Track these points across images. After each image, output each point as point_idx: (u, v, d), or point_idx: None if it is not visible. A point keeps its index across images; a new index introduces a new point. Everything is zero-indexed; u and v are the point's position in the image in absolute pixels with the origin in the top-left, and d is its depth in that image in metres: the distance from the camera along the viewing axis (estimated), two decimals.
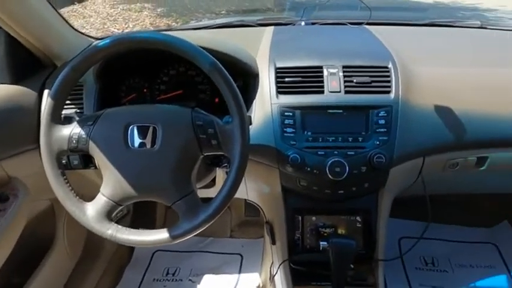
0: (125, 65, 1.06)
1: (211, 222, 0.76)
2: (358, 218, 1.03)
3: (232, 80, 0.76)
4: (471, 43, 1.26)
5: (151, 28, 4.82)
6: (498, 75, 1.06)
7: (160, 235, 0.77)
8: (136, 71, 1.10)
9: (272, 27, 1.28)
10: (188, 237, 0.77)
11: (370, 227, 1.03)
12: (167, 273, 1.49)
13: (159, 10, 5.49)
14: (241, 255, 1.54)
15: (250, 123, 0.90)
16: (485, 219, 1.63)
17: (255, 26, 1.39)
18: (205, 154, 0.81)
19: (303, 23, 1.38)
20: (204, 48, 0.79)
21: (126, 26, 4.96)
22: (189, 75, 1.11)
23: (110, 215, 0.79)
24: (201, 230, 0.76)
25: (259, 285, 1.40)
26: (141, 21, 5.32)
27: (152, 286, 1.44)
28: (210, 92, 1.10)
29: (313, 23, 1.38)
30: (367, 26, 1.28)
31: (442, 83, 1.03)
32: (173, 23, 5.05)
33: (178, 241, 0.77)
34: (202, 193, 1.07)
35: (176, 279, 1.46)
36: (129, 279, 1.46)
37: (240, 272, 1.47)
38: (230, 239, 1.63)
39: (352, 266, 0.99)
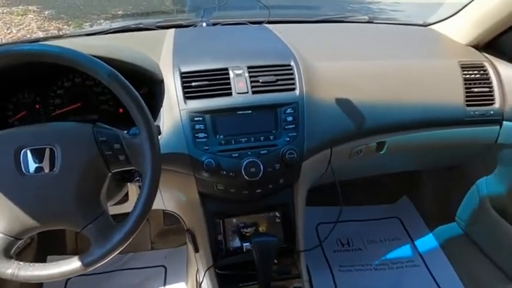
0: (9, 78, 0.94)
1: (127, 243, 0.71)
2: (277, 214, 1.06)
3: (134, 89, 0.72)
4: (362, 37, 1.36)
5: (40, 33, 4.39)
6: (388, 66, 1.16)
7: (71, 265, 0.70)
8: (25, 85, 0.99)
9: (173, 30, 1.25)
10: (103, 262, 0.71)
11: (289, 221, 1.06)
12: None
13: (46, 12, 5.01)
14: (165, 267, 1.49)
15: (160, 133, 0.86)
16: (388, 196, 1.78)
17: (155, 29, 1.34)
18: (114, 171, 0.76)
19: (204, 24, 1.36)
20: (100, 57, 0.73)
21: (9, 31, 4.45)
22: (86, 86, 1.03)
23: (9, 251, 0.70)
24: (116, 253, 0.71)
25: None
26: (27, 26, 4.81)
27: None
28: (112, 102, 1.03)
29: (214, 24, 1.37)
30: (267, 25, 1.31)
31: (340, 77, 1.10)
32: (65, 26, 4.66)
33: (92, 268, 0.71)
34: (116, 209, 1.01)
35: None
36: None
37: (165, 284, 1.42)
38: (151, 251, 1.57)
39: (276, 261, 1.02)
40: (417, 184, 1.70)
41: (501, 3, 1.12)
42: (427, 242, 1.56)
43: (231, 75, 0.98)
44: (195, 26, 1.36)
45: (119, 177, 0.91)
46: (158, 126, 0.85)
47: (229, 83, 0.97)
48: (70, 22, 4.99)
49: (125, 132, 0.77)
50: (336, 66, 1.12)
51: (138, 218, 0.71)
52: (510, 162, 1.21)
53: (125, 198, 1.01)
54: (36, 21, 4.97)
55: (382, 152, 1.16)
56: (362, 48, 1.26)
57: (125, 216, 0.73)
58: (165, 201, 1.08)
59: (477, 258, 1.40)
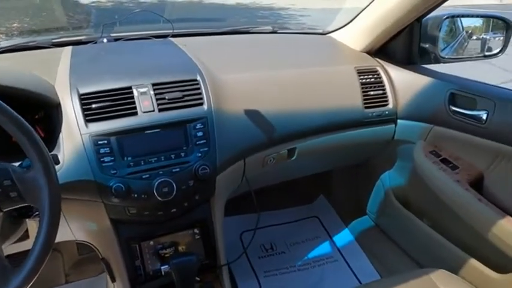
0: None
1: (27, 287, 0.65)
2: (196, 231, 1.05)
3: (20, 118, 0.66)
4: (266, 47, 1.40)
5: None
6: (291, 75, 1.21)
7: None
8: None
9: (70, 47, 1.17)
10: None
11: (208, 236, 1.05)
12: None
13: None
14: None
15: (57, 163, 0.80)
16: (306, 197, 1.86)
17: (51, 46, 1.24)
18: (6, 210, 0.68)
19: (105, 40, 1.30)
20: None
21: None
22: None
23: None
24: None
25: None
26: None
27: None
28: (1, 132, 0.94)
29: (116, 39, 1.31)
30: (171, 39, 1.29)
31: (247, 88, 1.12)
32: None
33: None
34: (15, 247, 0.92)
35: None
36: None
37: None
38: (66, 285, 1.45)
39: (198, 278, 1.00)
40: (330, 183, 1.80)
41: (386, 14, 1.22)
42: (344, 237, 1.66)
43: (135, 93, 0.94)
44: (95, 42, 1.29)
45: (15, 214, 0.82)
46: (55, 155, 0.79)
47: (133, 102, 0.93)
48: None
49: (17, 165, 0.71)
50: (242, 77, 1.14)
51: (38, 259, 0.65)
52: (407, 156, 1.33)
53: (25, 234, 0.92)
54: None
55: (293, 158, 1.20)
56: (267, 58, 1.29)
57: (27, 254, 0.67)
58: (74, 231, 1.01)
59: (387, 245, 1.51)
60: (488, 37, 1.31)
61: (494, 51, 1.32)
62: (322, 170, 1.48)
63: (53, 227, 0.66)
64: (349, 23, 1.44)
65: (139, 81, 0.96)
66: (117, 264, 0.98)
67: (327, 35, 1.54)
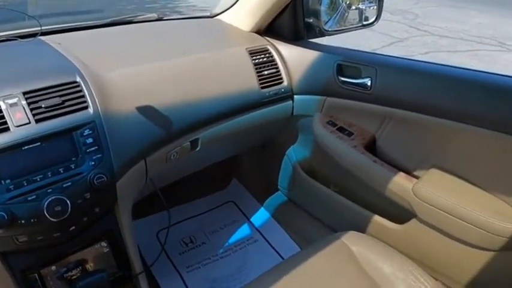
0: None
1: None
2: (103, 244, 0.97)
3: None
4: (153, 37, 1.32)
5: None
6: (183, 63, 1.16)
7: None
8: None
9: None
10: None
11: (118, 247, 0.98)
12: None
13: None
14: None
15: None
16: (220, 183, 1.85)
17: None
18: None
19: None
20: None
21: None
22: None
23: None
24: None
25: None
26: None
27: None
28: None
29: None
30: (42, 37, 1.14)
31: (137, 83, 1.04)
32: None
33: None
34: None
35: None
36: None
37: None
38: None
39: None
40: (240, 165, 1.80)
41: None
42: (261, 216, 1.69)
43: (3, 106, 0.82)
44: None
45: None
46: None
47: (3, 117, 0.81)
48: None
49: None
50: (129, 72, 1.06)
51: None
52: (307, 129, 1.38)
53: None
54: None
55: (197, 149, 1.17)
56: (153, 48, 1.22)
57: None
58: None
59: (302, 217, 1.57)
60: (364, 7, 1.39)
61: (371, 20, 1.41)
62: (230, 155, 1.48)
63: None
64: (235, 3, 1.42)
65: (6, 92, 0.84)
66: None
67: (215, 17, 1.50)
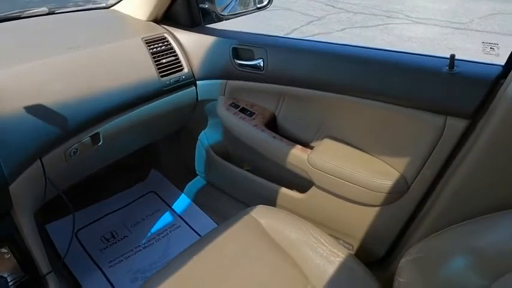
0: None
1: None
2: (4, 250, 0.94)
3: None
4: (43, 32, 1.27)
5: None
6: (76, 57, 1.13)
7: None
8: None
9: None
10: None
11: (21, 251, 0.96)
12: None
13: None
14: None
15: None
16: (139, 175, 1.84)
17: None
18: None
19: None
20: None
21: None
22: None
23: None
24: None
25: None
26: None
27: None
28: None
29: None
30: None
31: (24, 82, 1.01)
32: None
33: None
34: None
35: None
36: None
37: None
38: None
39: None
40: (158, 155, 1.81)
41: None
42: (182, 202, 1.71)
43: None
44: None
45: None
46: None
47: None
48: None
49: None
50: (14, 72, 1.02)
51: None
52: (214, 113, 1.42)
53: None
54: None
55: (100, 144, 1.16)
56: (45, 44, 1.18)
57: None
58: None
59: (220, 197, 1.63)
60: None
61: (264, 3, 1.46)
62: (140, 146, 1.47)
63: None
64: None
65: None
66: None
67: (111, 8, 1.47)
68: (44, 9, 1.42)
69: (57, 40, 1.21)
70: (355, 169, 1.11)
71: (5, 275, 0.89)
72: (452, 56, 0.93)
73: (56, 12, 1.43)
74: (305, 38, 1.28)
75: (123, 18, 1.40)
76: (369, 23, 5.60)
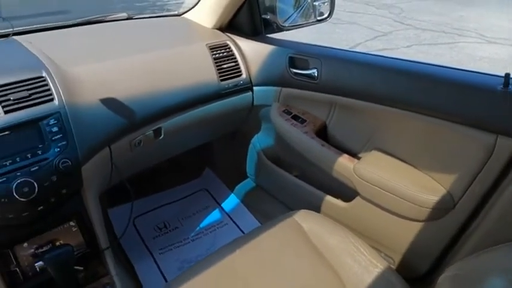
0: None
1: None
2: (71, 223, 1.07)
3: None
4: (121, 35, 1.42)
5: None
6: (146, 58, 1.25)
7: None
8: None
9: None
10: None
11: (86, 226, 1.08)
12: None
13: None
14: None
15: None
16: (194, 172, 1.95)
17: None
18: None
19: None
20: None
21: None
22: None
23: None
24: None
25: None
26: None
27: None
28: None
29: None
30: (14, 37, 1.24)
31: (100, 77, 1.14)
32: None
33: None
34: None
35: None
36: None
37: None
38: None
39: (81, 268, 1.04)
40: (212, 155, 1.91)
41: None
42: (231, 202, 1.80)
43: None
44: None
45: None
46: None
47: None
48: None
49: None
50: (94, 68, 1.15)
51: None
52: (268, 118, 1.49)
53: None
54: None
55: (161, 138, 1.27)
56: (121, 45, 1.32)
57: None
58: None
59: (267, 200, 1.69)
60: (317, 3, 1.49)
61: (325, 16, 1.51)
62: (196, 145, 1.58)
63: None
64: (198, 2, 1.52)
65: None
66: None
67: (182, 16, 1.60)
68: (124, 15, 1.58)
69: (131, 42, 1.35)
70: (401, 182, 1.11)
71: (72, 245, 1.00)
72: (507, 75, 0.92)
73: (134, 17, 1.58)
74: (359, 51, 1.30)
75: (192, 25, 1.52)
76: (438, 40, 5.42)
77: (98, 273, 1.08)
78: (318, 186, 1.40)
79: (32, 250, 1.01)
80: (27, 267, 1.00)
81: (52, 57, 1.09)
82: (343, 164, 1.23)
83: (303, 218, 1.17)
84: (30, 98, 0.97)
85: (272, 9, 1.44)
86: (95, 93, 1.10)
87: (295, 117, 1.39)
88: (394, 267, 1.24)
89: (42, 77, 1.01)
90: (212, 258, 1.05)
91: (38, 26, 1.36)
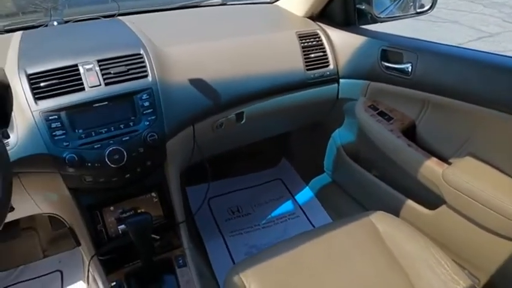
0: None
1: None
2: (153, 194, 1.13)
3: None
4: (214, 19, 1.46)
5: None
6: (236, 43, 1.28)
7: None
8: None
9: (20, 32, 1.22)
10: None
11: (165, 199, 1.14)
12: None
13: None
14: (61, 271, 1.48)
15: (7, 137, 0.88)
16: (270, 161, 1.96)
17: (3, 32, 1.29)
18: None
19: (55, 23, 1.35)
20: None
21: None
22: None
23: None
24: None
25: None
26: None
27: None
28: None
29: (66, 21, 1.36)
30: (120, 17, 1.34)
31: (192, 58, 1.19)
32: None
33: None
34: None
35: None
36: None
37: (62, 287, 1.42)
38: (44, 259, 1.54)
39: (158, 237, 1.10)
40: (290, 146, 1.90)
41: None
42: (305, 194, 1.77)
43: (81, 70, 1.00)
44: (46, 26, 1.34)
45: None
46: (5, 131, 0.87)
47: (80, 79, 1.00)
48: None
49: None
50: (186, 49, 1.20)
51: None
52: (352, 113, 1.43)
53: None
54: None
55: (242, 122, 1.29)
56: (213, 29, 1.36)
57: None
58: (38, 204, 1.09)
59: (342, 197, 1.63)
60: None
61: (426, 8, 1.40)
62: (275, 133, 1.58)
63: (5, 195, 0.73)
64: None
65: (84, 59, 1.02)
66: (80, 230, 1.07)
67: (274, 3, 1.60)
68: (218, 1, 1.63)
69: (224, 27, 1.38)
70: (496, 194, 0.99)
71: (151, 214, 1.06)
72: None
73: (228, 3, 1.62)
74: (459, 46, 1.19)
75: (282, 13, 1.51)
76: None
77: (171, 244, 1.14)
78: (399, 189, 1.32)
79: (117, 214, 1.09)
80: (111, 228, 1.08)
81: (150, 36, 1.16)
82: (431, 168, 1.13)
83: (379, 220, 1.11)
84: (128, 72, 1.04)
85: (368, 0, 1.37)
86: (185, 73, 1.14)
87: (382, 114, 1.31)
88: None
89: (140, 54, 1.07)
90: (281, 247, 1.04)
91: (140, 8, 1.45)
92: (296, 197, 1.77)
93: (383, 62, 1.27)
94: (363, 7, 1.40)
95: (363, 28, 1.41)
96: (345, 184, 1.65)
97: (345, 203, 1.61)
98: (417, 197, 1.26)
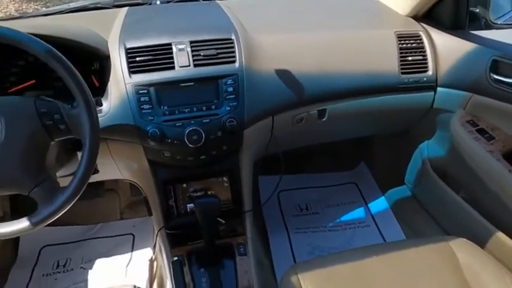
0: None
1: (70, 205, 0.78)
2: (224, 179, 1.15)
3: (69, 64, 0.78)
4: (308, 9, 1.42)
5: (16, 14, 4.38)
6: (327, 37, 1.23)
7: (20, 224, 0.77)
8: None
9: (126, 8, 1.30)
10: (49, 221, 0.78)
11: (236, 185, 1.15)
12: (57, 266, 1.47)
13: None
14: (133, 235, 1.59)
15: (100, 105, 0.94)
16: (347, 163, 1.88)
17: (111, 7, 1.39)
18: (57, 140, 0.83)
19: (158, 2, 1.42)
20: (42, 35, 0.79)
21: None
22: (40, 64, 1.09)
23: None
24: (61, 213, 0.78)
25: (151, 258, 1.47)
26: (4, 8, 4.81)
27: (42, 282, 1.42)
28: None
29: (168, 1, 1.42)
30: (218, 1, 1.37)
31: (281, 48, 1.17)
32: (43, 8, 4.65)
33: (40, 227, 0.78)
34: None
35: (67, 270, 1.46)
36: (15, 280, 1.42)
37: (132, 250, 1.52)
38: (121, 221, 1.66)
39: (223, 221, 1.11)
40: (371, 151, 1.80)
41: None
42: (379, 204, 1.67)
43: (174, 50, 1.04)
44: (150, 4, 1.41)
45: (70, 147, 0.98)
46: (99, 99, 0.93)
47: (172, 58, 1.03)
48: (48, 3, 4.96)
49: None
50: (278, 39, 1.19)
51: (79, 183, 0.78)
52: (445, 125, 1.30)
53: None
54: (14, 4, 4.94)
55: (324, 119, 1.24)
56: (309, 20, 1.32)
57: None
58: (120, 170, 1.17)
59: (420, 215, 1.51)
60: None
61: None
62: (357, 136, 1.50)
63: (92, 157, 0.79)
64: None
65: (179, 39, 1.06)
66: (153, 200, 1.12)
67: None
68: None
69: (320, 19, 1.34)
70: None
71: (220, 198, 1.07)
72: None
73: None
74: None
75: (383, 9, 1.42)
76: None
77: (235, 231, 1.15)
78: (489, 217, 1.18)
79: (188, 192, 1.12)
80: (181, 205, 1.12)
81: (244, 22, 1.16)
82: None
83: (461, 248, 1.00)
84: (217, 56, 1.05)
85: (484, 2, 1.23)
86: (272, 63, 1.13)
87: (481, 131, 1.17)
88: None
89: (231, 39, 1.08)
90: (346, 255, 0.99)
91: None
92: (369, 205, 1.68)
93: (492, 74, 1.12)
94: (477, 10, 1.26)
95: (473, 33, 1.26)
96: (425, 201, 1.52)
97: (423, 221, 1.49)
98: (508, 229, 1.11)
